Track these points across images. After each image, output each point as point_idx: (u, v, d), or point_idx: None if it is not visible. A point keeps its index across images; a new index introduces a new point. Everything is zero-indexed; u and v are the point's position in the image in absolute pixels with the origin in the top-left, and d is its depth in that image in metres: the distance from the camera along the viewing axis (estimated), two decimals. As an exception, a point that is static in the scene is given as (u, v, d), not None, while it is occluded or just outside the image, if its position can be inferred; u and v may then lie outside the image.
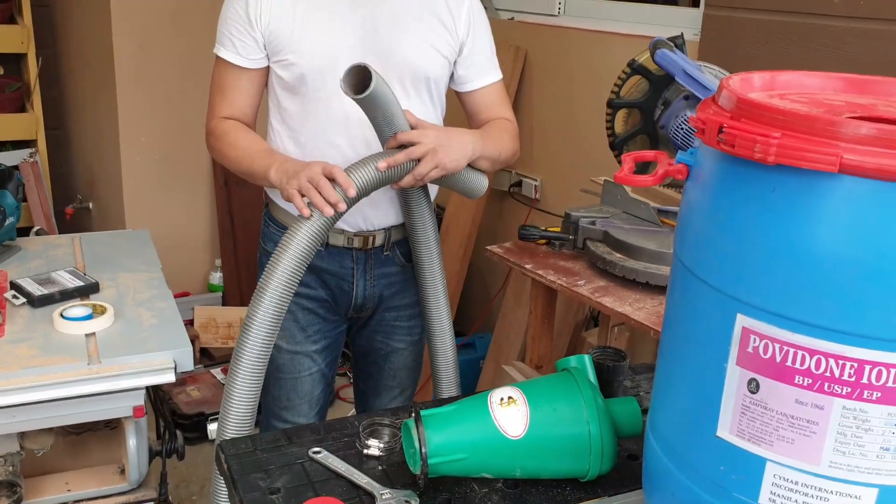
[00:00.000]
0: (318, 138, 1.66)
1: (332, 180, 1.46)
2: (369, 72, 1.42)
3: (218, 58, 1.68)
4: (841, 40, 1.90)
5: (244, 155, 1.61)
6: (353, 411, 2.98)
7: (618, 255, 1.83)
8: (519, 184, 3.05)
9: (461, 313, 3.31)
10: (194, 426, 2.84)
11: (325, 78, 1.60)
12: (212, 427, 2.87)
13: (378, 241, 1.76)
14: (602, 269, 1.85)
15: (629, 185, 0.93)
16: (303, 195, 1.46)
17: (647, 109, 1.82)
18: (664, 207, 1.97)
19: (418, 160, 1.52)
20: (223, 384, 3.02)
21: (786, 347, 0.78)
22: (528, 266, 1.93)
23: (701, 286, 0.85)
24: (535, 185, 2.97)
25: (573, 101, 2.81)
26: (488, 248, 2.06)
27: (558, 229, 2.03)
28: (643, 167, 1.77)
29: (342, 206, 1.46)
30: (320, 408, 1.88)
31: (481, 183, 1.70)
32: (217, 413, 2.85)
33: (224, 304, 3.44)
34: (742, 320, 0.81)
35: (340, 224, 1.69)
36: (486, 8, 1.84)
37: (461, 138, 1.60)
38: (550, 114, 2.89)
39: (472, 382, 3.16)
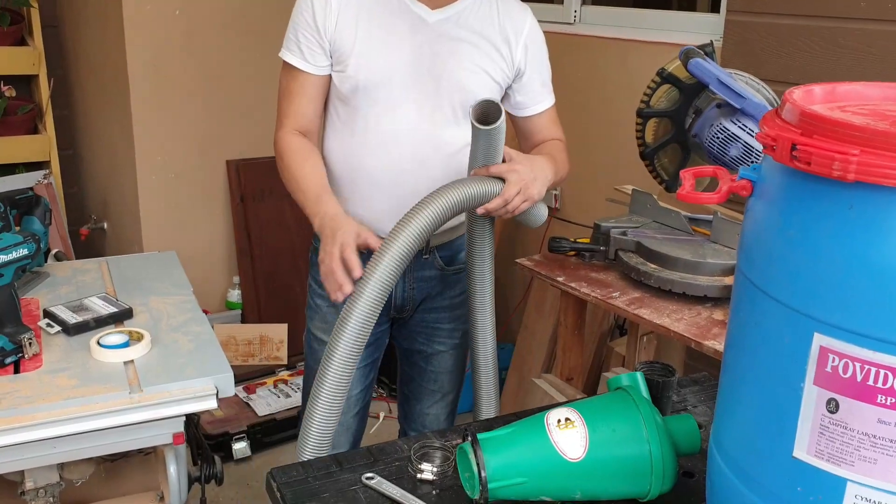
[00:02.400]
0: (359, 151, 1.69)
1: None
2: (497, 107, 1.50)
3: (285, 63, 1.69)
4: (870, 43, 1.89)
5: (298, 188, 1.64)
6: (375, 427, 2.97)
7: (652, 265, 1.81)
8: (538, 193, 3.03)
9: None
10: (219, 446, 2.83)
11: (378, 93, 1.64)
12: (237, 447, 2.86)
13: (423, 247, 1.79)
14: (636, 280, 1.83)
15: (693, 202, 0.92)
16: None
17: (678, 118, 1.81)
18: (695, 216, 1.95)
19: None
20: (246, 403, 3.03)
21: (867, 366, 0.77)
22: (559, 279, 1.91)
23: (772, 304, 0.84)
24: (555, 195, 2.95)
25: (591, 110, 2.79)
26: (518, 260, 2.05)
27: (587, 240, 2.02)
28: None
29: (347, 289, 1.49)
30: (360, 409, 1.90)
31: (543, 211, 1.72)
32: (241, 432, 2.86)
33: (243, 321, 3.42)
34: (819, 339, 0.79)
35: (382, 232, 1.67)
36: None
37: (543, 169, 1.63)
38: (568, 122, 2.85)
39: (495, 394, 3.14)
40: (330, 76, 1.69)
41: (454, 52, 1.67)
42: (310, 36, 1.64)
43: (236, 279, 3.44)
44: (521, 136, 1.86)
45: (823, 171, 0.75)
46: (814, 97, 0.93)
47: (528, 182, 1.56)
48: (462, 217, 1.78)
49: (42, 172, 3.45)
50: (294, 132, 1.69)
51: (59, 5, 3.67)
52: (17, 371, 1.45)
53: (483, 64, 1.69)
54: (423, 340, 1.92)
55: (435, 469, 1.17)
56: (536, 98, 1.79)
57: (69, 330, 1.56)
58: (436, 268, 1.83)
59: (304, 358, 1.97)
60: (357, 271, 1.47)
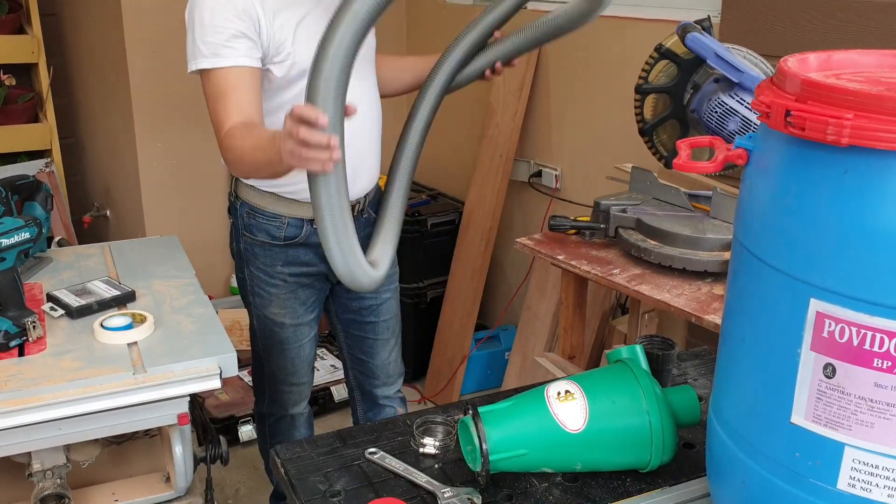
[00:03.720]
0: None
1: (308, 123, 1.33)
2: None
3: (210, 71, 1.65)
4: (868, 16, 1.88)
5: (256, 155, 1.55)
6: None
7: (652, 241, 1.82)
8: (539, 174, 3.03)
9: (484, 306, 3.30)
10: (225, 429, 2.84)
11: None
12: (243, 430, 2.87)
13: (361, 206, 1.91)
14: (636, 256, 1.84)
15: (688, 171, 0.92)
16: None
17: (677, 94, 1.81)
18: (694, 192, 1.95)
19: None
20: (251, 386, 3.04)
21: (863, 331, 0.77)
22: (560, 257, 1.92)
23: (769, 271, 0.84)
24: (556, 175, 2.95)
25: (590, 88, 2.79)
26: (518, 240, 2.05)
27: (587, 218, 2.02)
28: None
29: (334, 142, 1.34)
30: (312, 366, 2.09)
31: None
32: (247, 416, 2.87)
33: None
34: (816, 305, 0.80)
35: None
36: None
37: None
38: (568, 102, 2.87)
39: (498, 375, 3.15)
40: (261, 70, 1.68)
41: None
42: (239, 34, 1.62)
43: (239, 264, 3.45)
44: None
45: (817, 136, 0.75)
46: (809, 65, 0.93)
47: None
48: (376, 172, 1.92)
49: (44, 161, 3.45)
50: (232, 127, 1.62)
51: (57, -7, 3.66)
52: (21, 354, 1.46)
53: None
54: (370, 294, 2.01)
55: (437, 443, 1.18)
56: None
57: (72, 313, 1.57)
58: (372, 222, 1.92)
59: (254, 340, 2.01)
60: (321, 117, 1.30)
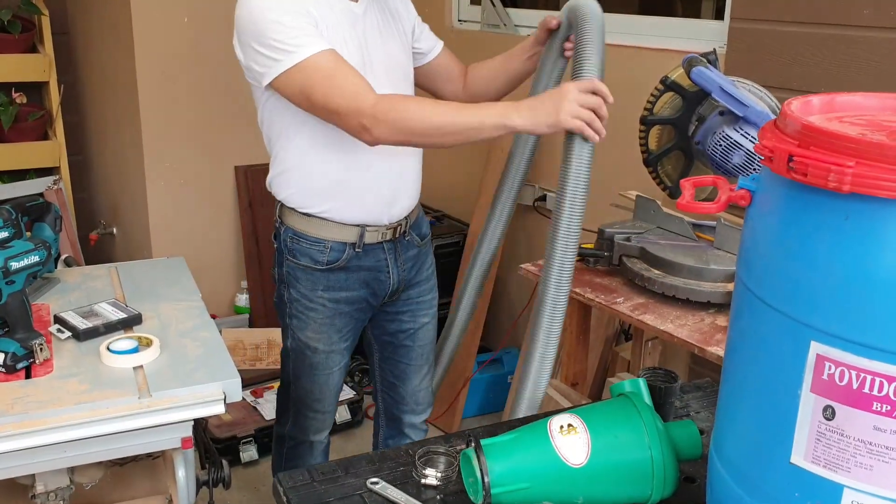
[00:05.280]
0: (351, 148, 1.73)
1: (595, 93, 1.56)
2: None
3: (312, 57, 1.60)
4: (874, 51, 1.90)
5: (458, 114, 1.60)
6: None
7: (656, 271, 1.83)
8: (543, 198, 3.05)
9: (488, 329, 3.31)
10: (227, 450, 2.85)
11: None
12: (244, 450, 2.88)
13: (403, 229, 1.91)
14: (640, 285, 1.85)
15: (692, 212, 0.93)
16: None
17: (681, 126, 1.82)
18: (699, 222, 1.96)
19: None
20: (253, 406, 3.05)
21: (863, 374, 0.78)
22: (564, 284, 1.92)
23: (770, 313, 0.85)
24: (561, 200, 2.96)
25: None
26: (522, 266, 2.06)
27: (591, 245, 2.03)
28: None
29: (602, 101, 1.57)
30: (338, 396, 2.08)
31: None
32: (249, 436, 2.88)
33: (251, 325, 3.45)
34: (816, 347, 0.81)
35: (381, 222, 1.85)
36: (504, 25, 1.94)
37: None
38: (573, 128, 2.89)
39: (501, 398, 3.15)
40: None
41: (388, 34, 1.83)
42: (313, 25, 1.63)
43: (244, 284, 3.46)
44: (442, 78, 2.02)
45: (819, 182, 0.76)
46: (812, 108, 0.94)
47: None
48: (417, 193, 1.94)
49: (52, 178, 3.48)
50: (379, 95, 1.63)
51: (69, 13, 3.70)
52: (28, 376, 1.47)
53: (403, 37, 1.87)
54: (409, 318, 2.04)
55: (439, 474, 1.18)
56: (431, 40, 1.99)
57: (79, 335, 1.58)
58: (415, 245, 1.97)
59: (285, 363, 2.01)
60: (610, 97, 1.57)
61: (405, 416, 2.16)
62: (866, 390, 0.78)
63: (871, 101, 0.97)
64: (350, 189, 1.80)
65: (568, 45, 1.86)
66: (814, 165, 0.77)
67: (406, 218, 1.92)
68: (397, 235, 1.90)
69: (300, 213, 1.84)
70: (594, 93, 1.55)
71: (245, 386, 3.14)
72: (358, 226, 1.83)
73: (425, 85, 2.04)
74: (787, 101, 0.91)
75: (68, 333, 1.60)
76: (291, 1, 1.63)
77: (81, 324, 1.61)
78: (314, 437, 2.07)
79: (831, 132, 0.79)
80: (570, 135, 1.58)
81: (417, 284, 2.02)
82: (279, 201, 1.89)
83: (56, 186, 3.45)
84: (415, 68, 1.96)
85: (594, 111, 1.54)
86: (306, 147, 1.78)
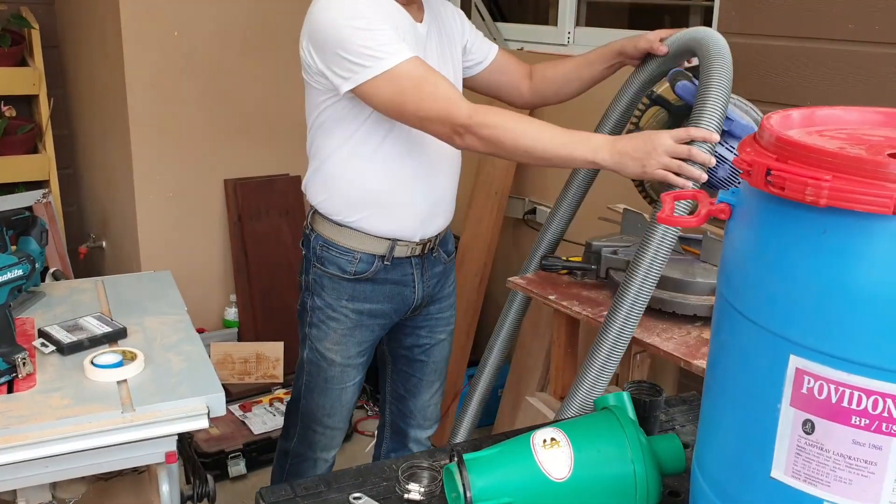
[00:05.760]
0: (396, 162, 1.77)
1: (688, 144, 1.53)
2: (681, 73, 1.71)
3: (403, 64, 1.61)
4: (859, 65, 1.91)
5: (551, 140, 1.60)
6: (372, 444, 2.97)
7: (642, 285, 1.82)
8: (533, 211, 3.05)
9: (478, 343, 3.30)
10: (214, 464, 2.83)
11: None
12: (232, 465, 2.86)
13: (432, 244, 1.92)
14: (627, 299, 1.84)
15: (672, 225, 0.93)
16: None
17: (667, 139, 1.82)
18: (686, 235, 1.96)
19: None
20: (242, 421, 3.04)
21: (841, 388, 0.78)
22: (551, 297, 1.93)
23: (750, 326, 0.85)
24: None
25: (584, 128, 2.81)
26: (511, 279, 2.07)
27: (579, 258, 2.03)
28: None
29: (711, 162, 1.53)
30: (350, 415, 2.08)
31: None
32: (237, 451, 2.86)
33: (239, 339, 3.43)
34: (795, 361, 0.81)
35: (414, 238, 1.86)
36: (494, 39, 1.96)
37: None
38: (562, 142, 2.89)
39: (491, 412, 3.14)
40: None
41: (445, 56, 1.84)
42: (397, 35, 1.64)
43: (233, 297, 3.45)
44: (503, 85, 2.03)
45: (797, 196, 0.77)
46: (792, 122, 0.94)
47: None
48: (451, 212, 1.95)
49: (41, 192, 3.47)
50: (474, 105, 1.63)
51: (59, 26, 3.71)
52: (10, 391, 1.46)
53: (456, 59, 1.88)
54: (427, 333, 2.04)
55: (423, 489, 1.18)
56: (485, 47, 1.99)
57: (63, 349, 1.58)
58: (441, 262, 1.98)
59: (300, 375, 2.00)
60: (708, 159, 1.52)
61: (411, 430, 2.15)
62: (845, 404, 0.78)
63: (851, 115, 0.98)
64: (386, 202, 1.81)
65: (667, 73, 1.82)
66: (791, 179, 0.77)
67: (437, 235, 1.93)
68: (426, 251, 1.91)
69: (332, 221, 1.84)
70: (691, 140, 1.53)
71: (234, 400, 3.13)
72: (389, 239, 1.83)
73: (486, 91, 2.04)
74: (767, 115, 0.92)
75: (52, 347, 1.59)
76: (374, 11, 1.64)
77: (66, 338, 1.60)
78: (320, 454, 2.05)
79: (808, 146, 0.79)
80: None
81: (439, 301, 2.03)
82: (312, 207, 1.89)
83: (45, 200, 3.44)
84: (473, 76, 1.98)
85: (687, 157, 1.52)
86: (349, 155, 1.78)
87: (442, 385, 2.16)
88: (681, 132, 1.53)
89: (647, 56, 1.88)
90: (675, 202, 0.98)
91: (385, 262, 1.85)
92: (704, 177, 1.51)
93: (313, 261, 1.88)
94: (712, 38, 1.66)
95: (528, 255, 3.03)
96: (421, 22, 1.79)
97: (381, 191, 1.80)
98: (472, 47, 1.97)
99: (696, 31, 1.73)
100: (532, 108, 2.40)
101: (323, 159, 1.82)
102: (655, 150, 1.52)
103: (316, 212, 1.87)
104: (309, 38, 1.69)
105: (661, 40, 1.83)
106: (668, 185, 1.53)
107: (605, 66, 1.96)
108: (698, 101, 1.58)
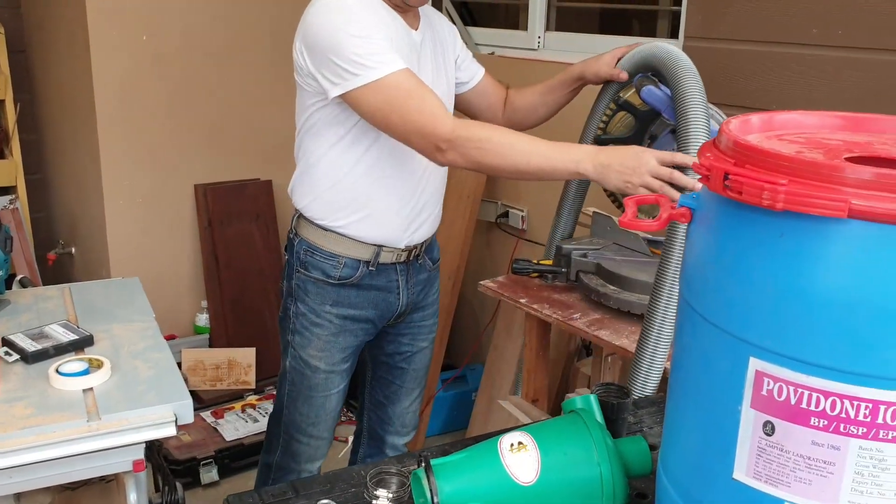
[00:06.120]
0: (379, 164, 1.76)
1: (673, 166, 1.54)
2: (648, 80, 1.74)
3: (392, 75, 1.61)
4: (822, 69, 1.94)
5: (533, 153, 1.60)
6: (346, 449, 2.96)
7: (611, 287, 1.84)
8: (506, 214, 3.06)
9: (451, 346, 3.30)
10: (186, 471, 2.80)
11: None
12: (204, 472, 2.84)
13: (418, 251, 1.91)
14: (596, 301, 1.86)
15: (634, 230, 0.94)
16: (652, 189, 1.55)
17: (634, 144, 1.84)
18: (654, 238, 1.98)
19: None
20: (214, 427, 3.01)
21: (800, 390, 0.79)
22: (522, 300, 1.93)
23: (711, 329, 0.86)
24: (522, 216, 2.98)
25: (555, 134, 2.82)
26: (482, 283, 2.07)
27: (549, 262, 2.04)
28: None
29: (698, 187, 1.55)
30: (334, 427, 2.04)
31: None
32: (209, 457, 2.84)
33: (211, 345, 3.41)
34: (755, 363, 0.81)
35: (399, 245, 1.84)
36: (465, 43, 1.96)
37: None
38: (533, 145, 2.91)
39: (465, 415, 3.14)
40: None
41: (438, 66, 1.85)
42: (388, 40, 1.64)
43: (204, 303, 3.43)
44: (482, 106, 2.03)
45: (754, 200, 0.77)
46: (751, 126, 0.95)
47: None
48: (438, 220, 1.94)
49: (8, 198, 3.42)
50: (457, 121, 1.65)
51: (26, 30, 3.66)
52: (-27, 400, 1.44)
53: (449, 69, 1.88)
54: (409, 341, 2.03)
55: (391, 495, 1.17)
56: (473, 68, 2.00)
57: (28, 358, 1.56)
58: (427, 269, 1.97)
59: (282, 384, 1.96)
60: (690, 183, 1.53)
61: (388, 436, 2.14)
62: (804, 406, 0.79)
63: (810, 119, 0.99)
64: (372, 208, 1.80)
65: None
66: (748, 184, 0.78)
67: (423, 242, 1.92)
68: (411, 258, 1.90)
69: (317, 225, 1.83)
70: (674, 164, 1.55)
71: (205, 406, 3.10)
72: (374, 245, 1.83)
73: (465, 111, 2.04)
74: (727, 120, 0.93)
75: (16, 356, 1.57)
76: (369, 18, 1.65)
77: (31, 346, 1.58)
78: (305, 465, 2.01)
79: (765, 150, 0.80)
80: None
81: (423, 308, 2.02)
82: (297, 211, 1.88)
83: (12, 206, 3.39)
84: (457, 96, 1.97)
85: (669, 181, 1.54)
86: (336, 159, 1.78)
87: (421, 392, 2.15)
88: (666, 156, 1.54)
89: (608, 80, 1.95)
90: (637, 206, 0.99)
91: (370, 268, 1.84)
92: (674, 196, 1.53)
93: (297, 265, 1.87)
94: (672, 54, 1.70)
95: (500, 259, 3.05)
96: (416, 30, 1.79)
97: (368, 196, 1.79)
98: (462, 65, 1.98)
99: (655, 49, 1.77)
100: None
101: (310, 162, 1.81)
102: (639, 168, 1.53)
103: (301, 216, 1.86)
104: (302, 39, 1.69)
105: (619, 59, 1.88)
106: None
107: (567, 90, 2.00)
108: (680, 120, 1.60)
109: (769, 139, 0.93)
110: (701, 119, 1.56)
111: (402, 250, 1.87)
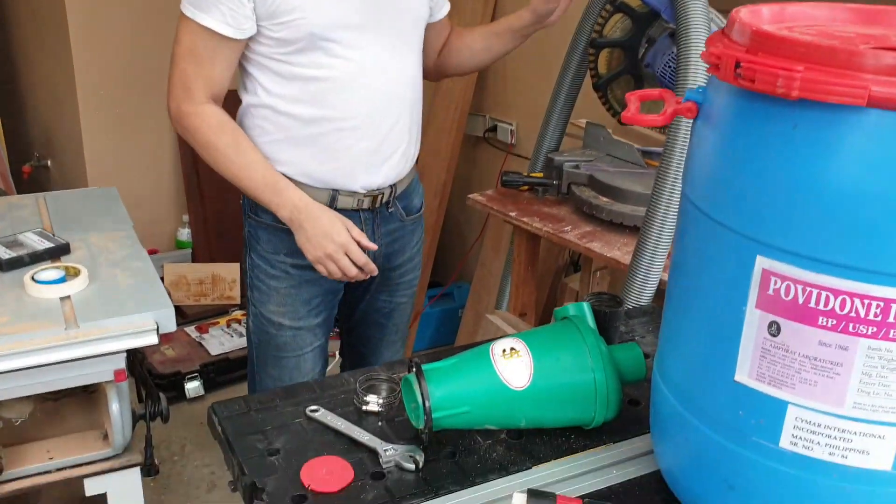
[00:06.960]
0: (326, 98, 1.56)
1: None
2: None
3: (194, 23, 1.49)
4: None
5: (243, 174, 1.56)
6: (335, 362, 2.96)
7: (604, 199, 1.80)
8: (494, 129, 3.00)
9: (438, 263, 3.28)
10: (171, 385, 2.80)
11: (335, 34, 1.51)
12: (189, 386, 2.83)
13: (385, 198, 1.69)
14: (588, 213, 1.82)
15: (637, 124, 0.90)
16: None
17: (631, 48, 1.78)
18: (648, 148, 1.94)
19: None
20: (199, 342, 2.99)
21: (809, 288, 0.76)
22: (512, 213, 1.90)
23: (716, 228, 0.82)
24: (511, 130, 2.92)
25: (546, 43, 2.74)
26: (470, 196, 2.03)
27: (540, 175, 2.00)
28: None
29: (371, 267, 1.62)
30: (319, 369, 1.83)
31: None
32: (193, 372, 2.83)
33: (194, 260, 3.37)
34: (762, 262, 0.78)
35: (354, 187, 1.63)
36: None
37: None
38: (523, 56, 2.82)
39: (452, 332, 3.15)
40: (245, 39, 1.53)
41: None
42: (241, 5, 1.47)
43: (185, 218, 3.37)
44: (436, 39, 1.79)
45: (767, 88, 0.73)
46: (762, 17, 0.90)
47: None
48: (411, 161, 1.72)
49: (-21, 108, 3.32)
50: (207, 102, 1.54)
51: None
52: (-54, 309, 1.40)
53: None
54: (386, 297, 1.86)
55: (381, 401, 1.15)
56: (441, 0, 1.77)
57: (2, 265, 1.51)
58: (398, 219, 1.75)
59: (250, 348, 1.81)
60: (374, 268, 1.61)
61: None
62: (812, 305, 0.76)
63: (820, 12, 0.94)
64: (318, 145, 1.60)
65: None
66: (762, 71, 0.73)
67: (392, 186, 1.69)
68: (377, 204, 1.68)
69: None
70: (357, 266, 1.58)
71: (190, 321, 3.08)
72: (328, 189, 1.62)
73: None
74: (736, 9, 0.87)
75: (-9, 264, 1.53)
76: None
77: (5, 253, 1.54)
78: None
79: (780, 37, 0.75)
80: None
81: (400, 265, 1.81)
82: None
83: (-16, 116, 3.30)
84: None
85: (343, 270, 1.58)
86: (264, 96, 1.59)
87: (404, 341, 1.99)
88: (353, 249, 1.58)
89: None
90: (640, 102, 0.94)
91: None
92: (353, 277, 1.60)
93: (248, 210, 1.72)
94: None
95: (488, 174, 2.99)
96: None
97: (309, 132, 1.59)
98: None
99: None
100: (434, 81, 2.03)
101: (249, 87, 1.62)
102: (324, 247, 1.56)
103: None
104: None
105: None
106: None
107: (517, 38, 1.77)
108: (680, 22, 1.51)
109: (780, 31, 0.88)
110: (702, 21, 1.49)
111: (364, 195, 1.65)
